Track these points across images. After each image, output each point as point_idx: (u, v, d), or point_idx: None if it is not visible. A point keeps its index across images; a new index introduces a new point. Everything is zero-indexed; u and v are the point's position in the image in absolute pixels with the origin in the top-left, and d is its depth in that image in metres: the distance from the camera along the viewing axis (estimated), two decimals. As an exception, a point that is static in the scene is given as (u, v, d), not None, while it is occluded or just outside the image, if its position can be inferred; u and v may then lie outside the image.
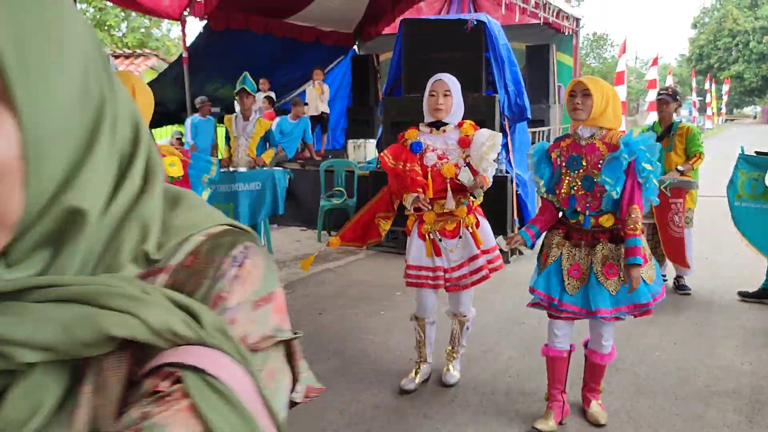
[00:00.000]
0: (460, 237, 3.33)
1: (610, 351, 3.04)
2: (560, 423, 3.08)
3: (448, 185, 3.22)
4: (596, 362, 3.06)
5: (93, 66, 0.55)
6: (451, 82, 3.25)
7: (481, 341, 4.15)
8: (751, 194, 4.77)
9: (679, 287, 5.23)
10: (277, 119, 8.86)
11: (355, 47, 12.23)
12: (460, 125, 3.31)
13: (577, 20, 10.63)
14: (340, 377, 3.69)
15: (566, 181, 2.87)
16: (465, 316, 3.55)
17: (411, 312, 4.75)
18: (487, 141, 3.21)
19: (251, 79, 6.45)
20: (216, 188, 6.01)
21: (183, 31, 9.47)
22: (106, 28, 19.01)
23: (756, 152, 4.87)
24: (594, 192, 2.80)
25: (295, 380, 0.65)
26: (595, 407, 3.13)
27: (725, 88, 38.57)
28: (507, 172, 6.20)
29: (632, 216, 2.73)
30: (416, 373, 3.54)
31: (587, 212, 2.82)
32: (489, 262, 3.38)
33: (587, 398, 3.15)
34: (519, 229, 6.41)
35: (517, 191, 6.36)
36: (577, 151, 2.85)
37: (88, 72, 0.54)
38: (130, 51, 15.29)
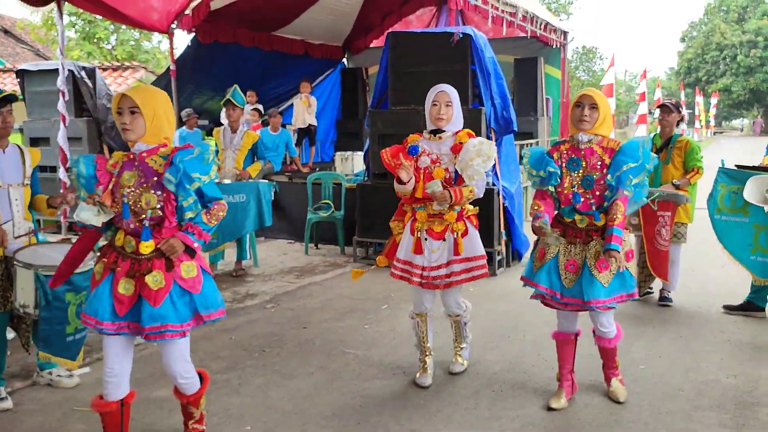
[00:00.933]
0: (444, 240, 3.53)
1: (616, 333, 3.37)
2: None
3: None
4: (605, 346, 3.40)
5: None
6: (452, 93, 3.54)
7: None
8: (731, 208, 4.79)
9: (661, 299, 5.22)
10: (257, 132, 8.84)
11: (344, 60, 12.27)
12: (456, 133, 3.54)
13: (565, 33, 10.70)
14: (322, 392, 3.64)
15: (567, 180, 3.23)
16: (457, 316, 3.77)
17: (396, 326, 4.76)
18: (475, 147, 3.39)
19: (240, 92, 6.44)
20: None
21: (171, 44, 9.47)
22: (95, 41, 18.97)
23: (736, 166, 4.88)
24: (593, 190, 3.17)
25: None
26: (615, 384, 3.46)
27: (713, 101, 38.91)
28: (494, 184, 6.19)
29: (614, 209, 3.11)
30: (425, 368, 3.72)
31: (593, 208, 3.17)
32: (467, 270, 3.55)
33: (608, 376, 3.49)
34: (506, 241, 6.45)
35: (503, 204, 6.35)
36: (577, 153, 3.22)
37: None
38: (118, 63, 15.25)
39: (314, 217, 7.37)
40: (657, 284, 5.31)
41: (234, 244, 6.33)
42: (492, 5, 7.79)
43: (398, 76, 6.50)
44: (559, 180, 3.24)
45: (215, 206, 2.72)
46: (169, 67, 9.44)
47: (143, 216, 2.64)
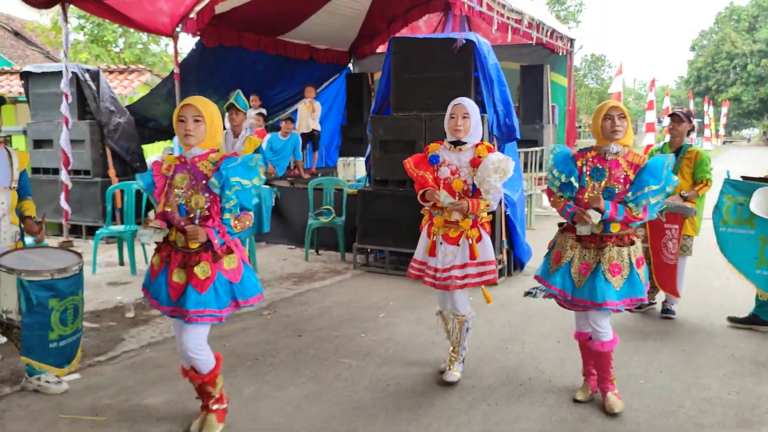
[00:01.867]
0: (459, 245, 3.69)
1: (611, 339, 3.40)
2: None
3: (456, 198, 3.63)
4: (599, 350, 3.40)
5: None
6: (470, 106, 3.66)
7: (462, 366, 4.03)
8: (737, 220, 4.68)
9: (663, 311, 5.12)
10: (268, 136, 8.80)
11: (350, 65, 12.23)
12: (477, 146, 3.67)
13: (572, 41, 10.62)
14: (312, 403, 3.57)
15: (589, 188, 3.29)
16: (462, 316, 3.85)
17: (392, 335, 4.70)
18: (493, 165, 3.52)
19: (243, 97, 6.39)
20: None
21: (175, 47, 9.47)
22: (103, 43, 19.05)
23: (742, 177, 4.78)
24: (613, 202, 3.22)
25: None
26: (611, 398, 3.43)
27: (723, 110, 38.66)
28: (495, 192, 6.11)
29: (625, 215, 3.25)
30: (453, 367, 3.87)
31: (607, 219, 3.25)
32: (480, 274, 3.72)
33: (604, 391, 3.49)
34: (507, 250, 6.36)
35: (506, 212, 6.27)
36: (602, 163, 3.29)
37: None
38: (124, 66, 15.28)
39: (315, 222, 7.31)
40: (660, 296, 5.22)
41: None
42: (497, 12, 7.72)
43: (400, 82, 6.45)
44: (573, 193, 3.33)
45: (243, 215, 2.99)
46: (173, 71, 9.42)
47: (192, 215, 2.96)
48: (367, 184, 7.05)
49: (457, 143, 3.68)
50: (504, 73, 6.56)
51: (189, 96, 9.28)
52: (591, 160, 3.33)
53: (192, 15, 8.87)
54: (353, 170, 8.15)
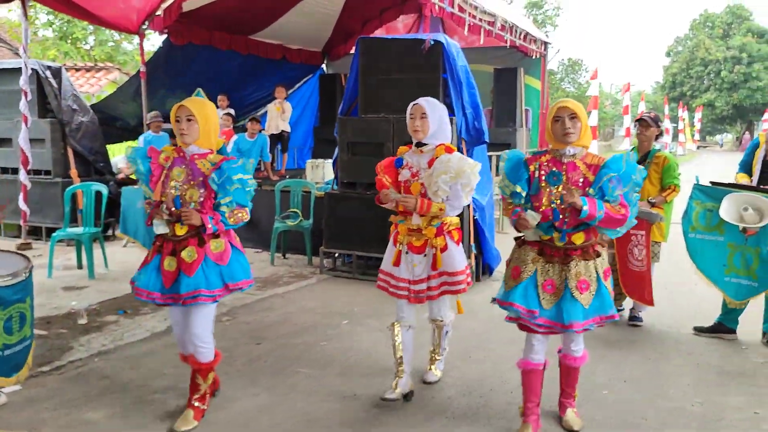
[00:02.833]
0: (425, 255, 3.49)
1: (583, 354, 3.25)
2: None
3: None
4: (570, 365, 3.25)
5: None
6: (429, 105, 3.44)
7: (422, 377, 3.90)
8: (706, 226, 4.62)
9: (631, 318, 5.05)
10: (235, 137, 8.61)
11: (324, 66, 12.08)
12: (437, 147, 3.46)
13: (546, 44, 10.59)
14: (263, 416, 3.42)
15: (546, 195, 3.00)
16: (441, 321, 3.73)
17: (354, 344, 4.56)
18: (443, 165, 3.33)
19: (203, 96, 6.22)
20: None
21: (141, 45, 9.25)
22: (72, 40, 18.64)
23: (711, 183, 4.73)
24: (572, 208, 2.91)
25: None
26: (570, 414, 3.29)
27: (697, 115, 39.18)
28: (463, 196, 6.00)
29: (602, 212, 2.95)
30: (395, 385, 3.55)
31: (564, 228, 2.96)
32: (447, 284, 3.53)
33: (563, 405, 3.33)
34: (476, 255, 6.26)
35: (474, 216, 6.17)
36: (558, 167, 3.01)
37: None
38: (92, 64, 14.94)
39: (281, 226, 7.15)
40: (627, 303, 5.15)
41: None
42: (469, 13, 7.64)
43: (368, 83, 6.32)
44: (520, 200, 3.07)
45: (238, 209, 3.20)
46: (139, 69, 9.19)
47: (187, 206, 3.16)
48: (335, 187, 6.91)
49: (420, 144, 3.49)
50: (478, 75, 6.47)
51: (157, 94, 9.11)
52: (545, 164, 3.05)
53: (159, 12, 8.67)
54: (322, 172, 8.00)
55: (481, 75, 9.35)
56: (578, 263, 2.99)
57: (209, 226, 3.10)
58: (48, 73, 8.38)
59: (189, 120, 3.14)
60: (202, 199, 3.16)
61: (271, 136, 9.13)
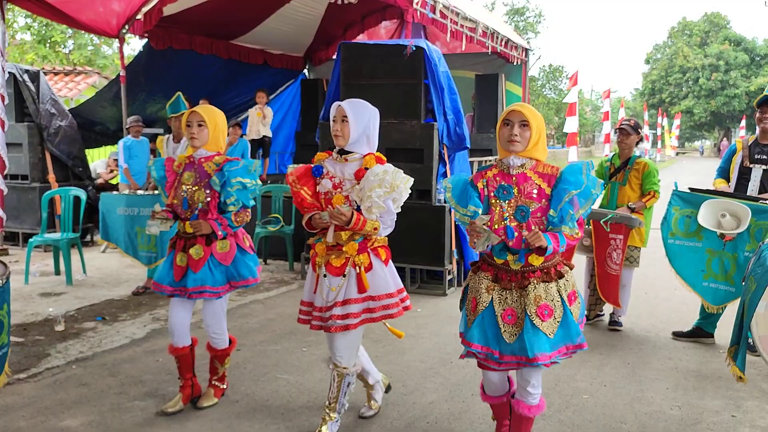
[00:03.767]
0: (345, 276, 3.01)
1: (539, 402, 2.78)
2: None
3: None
4: (523, 414, 2.77)
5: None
6: (351, 108, 3.02)
7: (403, 382, 3.90)
8: (684, 232, 4.67)
9: (611, 323, 5.10)
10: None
11: (305, 71, 12.06)
12: (365, 157, 3.06)
13: (526, 50, 10.67)
14: (244, 422, 3.38)
15: (497, 212, 2.65)
16: (343, 368, 3.12)
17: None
18: (377, 177, 2.91)
19: (184, 101, 6.17)
20: (138, 212, 5.70)
21: (121, 49, 9.17)
22: (51, 44, 18.43)
23: (689, 189, 4.79)
24: (528, 224, 2.60)
25: None
26: None
27: (676, 122, 39.74)
28: (445, 202, 6.02)
29: (561, 244, 2.64)
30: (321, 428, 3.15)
31: (522, 247, 2.60)
32: (370, 310, 3.03)
33: None
34: (457, 260, 6.28)
35: (455, 222, 6.18)
36: (507, 180, 2.67)
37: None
38: (70, 68, 14.79)
39: (263, 231, 7.11)
40: (608, 307, 5.19)
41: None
42: (451, 20, 7.66)
43: (349, 88, 6.31)
44: (479, 214, 2.69)
45: (242, 211, 3.38)
46: (119, 73, 9.11)
47: (194, 207, 3.37)
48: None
49: (344, 152, 3.07)
50: (459, 81, 6.50)
51: (136, 99, 9.02)
52: (493, 178, 2.70)
53: (139, 16, 8.60)
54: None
55: (463, 81, 9.40)
56: (537, 286, 2.63)
57: (219, 233, 3.34)
58: (26, 76, 8.28)
59: (200, 125, 3.35)
60: (208, 199, 3.34)
61: (252, 141, 9.09)
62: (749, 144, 4.71)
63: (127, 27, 8.70)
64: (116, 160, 9.42)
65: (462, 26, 7.99)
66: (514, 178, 2.66)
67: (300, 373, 4.08)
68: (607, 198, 5.14)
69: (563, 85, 32.23)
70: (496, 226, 2.62)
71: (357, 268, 3.01)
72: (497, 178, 2.70)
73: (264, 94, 9.56)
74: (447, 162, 6.13)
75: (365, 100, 6.14)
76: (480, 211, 2.64)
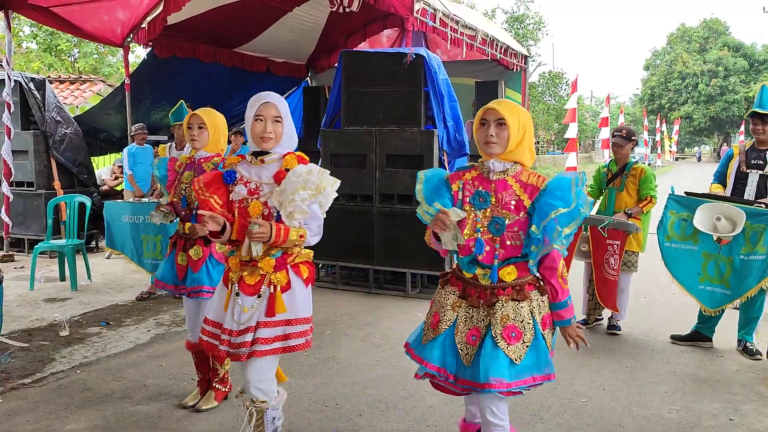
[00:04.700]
0: (260, 296, 2.62)
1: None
2: None
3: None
4: None
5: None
6: (281, 105, 2.67)
7: (403, 386, 3.95)
8: (681, 235, 4.72)
9: (609, 326, 5.14)
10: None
11: (308, 79, 12.15)
12: (284, 157, 2.68)
13: (526, 57, 10.74)
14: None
15: (470, 221, 2.35)
16: (261, 402, 2.70)
17: (336, 353, 4.58)
18: (299, 177, 2.54)
19: (187, 108, 6.24)
20: (143, 219, 5.77)
21: (125, 57, 9.27)
22: (56, 52, 18.56)
23: (686, 193, 4.84)
24: (503, 238, 2.31)
25: None
26: None
27: (675, 127, 39.84)
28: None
29: (565, 272, 2.37)
30: None
31: (495, 262, 2.33)
32: (282, 337, 2.63)
33: None
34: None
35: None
36: (486, 186, 2.36)
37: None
38: (76, 76, 14.91)
39: (265, 237, 7.16)
40: (606, 312, 5.24)
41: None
42: (451, 27, 7.74)
43: (351, 96, 6.39)
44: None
45: None
46: (124, 81, 9.20)
47: (192, 206, 3.45)
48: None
49: (260, 153, 2.68)
50: (460, 88, 6.57)
51: (141, 106, 9.14)
52: (471, 182, 2.40)
53: (143, 25, 8.70)
54: (306, 184, 8.03)
55: (464, 88, 9.47)
56: (505, 304, 2.33)
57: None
58: (31, 85, 8.38)
59: (200, 128, 3.50)
60: None
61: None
62: (746, 149, 4.77)
63: (131, 36, 8.81)
64: (121, 167, 9.50)
65: (462, 34, 8.07)
66: (493, 185, 2.36)
67: (301, 377, 4.13)
68: (604, 204, 5.20)
69: (563, 92, 32.31)
70: (467, 237, 2.34)
71: (272, 287, 2.62)
72: (475, 182, 2.40)
73: (266, 101, 9.62)
74: (447, 168, 6.19)
75: (366, 107, 6.33)
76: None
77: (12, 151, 7.92)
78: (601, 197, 5.26)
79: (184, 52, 9.58)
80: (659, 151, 36.25)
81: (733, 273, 4.48)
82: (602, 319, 5.28)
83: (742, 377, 4.21)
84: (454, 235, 2.28)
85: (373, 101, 6.28)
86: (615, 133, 5.16)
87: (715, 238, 4.54)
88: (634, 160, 5.18)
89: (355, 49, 9.85)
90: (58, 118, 8.62)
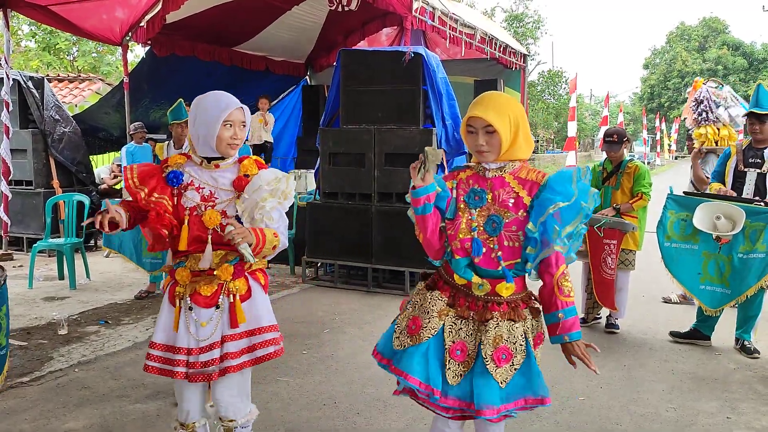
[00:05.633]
0: (218, 307, 2.43)
1: None
2: None
3: (210, 237, 2.40)
4: None
5: None
6: (246, 111, 2.50)
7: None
8: (680, 235, 4.72)
9: (608, 325, 5.15)
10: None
11: (307, 77, 12.15)
12: (241, 161, 2.51)
13: (524, 56, 10.74)
14: (245, 425, 3.43)
15: (465, 220, 2.18)
16: (230, 420, 2.54)
17: (335, 351, 4.59)
18: (268, 185, 2.39)
19: (185, 107, 6.24)
20: (142, 218, 5.75)
21: (124, 56, 9.27)
22: (55, 51, 18.56)
23: (684, 192, 4.84)
24: (500, 238, 2.15)
25: None
26: None
27: (675, 126, 39.84)
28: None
29: (566, 279, 2.15)
30: None
31: (499, 266, 2.15)
32: (250, 349, 2.46)
33: None
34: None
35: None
36: (482, 184, 2.22)
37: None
38: (75, 75, 14.91)
39: (264, 236, 7.16)
40: (604, 310, 5.24)
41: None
42: (450, 26, 7.74)
43: (349, 95, 6.40)
44: (445, 222, 2.22)
45: None
46: (122, 80, 9.20)
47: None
48: (317, 197, 6.96)
49: (212, 158, 2.48)
50: (459, 87, 6.57)
51: (140, 105, 9.13)
52: (465, 180, 2.26)
53: (142, 24, 8.70)
54: (304, 182, 8.05)
55: (463, 86, 9.47)
56: (500, 324, 2.16)
57: None
58: (30, 83, 8.37)
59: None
60: None
61: (255, 146, 9.16)
62: (743, 148, 4.77)
63: (130, 34, 8.81)
64: (120, 165, 9.50)
65: (461, 32, 8.07)
66: (489, 182, 2.22)
67: (300, 376, 4.13)
68: (600, 202, 5.19)
69: (562, 90, 32.33)
70: (462, 236, 2.18)
71: (231, 297, 2.44)
72: (470, 181, 2.25)
73: (266, 100, 9.66)
74: (446, 167, 6.19)
75: (364, 105, 6.33)
76: (440, 190, 2.21)
77: (11, 149, 7.92)
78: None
79: (183, 50, 9.58)
80: (659, 149, 36.24)
81: (732, 272, 4.48)
82: (600, 317, 5.29)
83: (739, 376, 4.22)
84: (423, 162, 2.10)
85: (372, 100, 6.29)
86: (606, 139, 5.16)
87: (714, 237, 4.54)
88: (629, 158, 5.19)
89: (354, 47, 9.85)
90: (57, 117, 8.61)
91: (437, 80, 6.05)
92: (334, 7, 8.38)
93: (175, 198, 2.45)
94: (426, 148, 2.12)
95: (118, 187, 9.59)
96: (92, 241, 8.70)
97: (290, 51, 11.27)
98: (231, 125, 2.41)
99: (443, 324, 2.21)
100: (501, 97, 2.20)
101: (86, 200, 6.83)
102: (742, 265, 4.43)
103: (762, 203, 4.46)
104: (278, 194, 2.41)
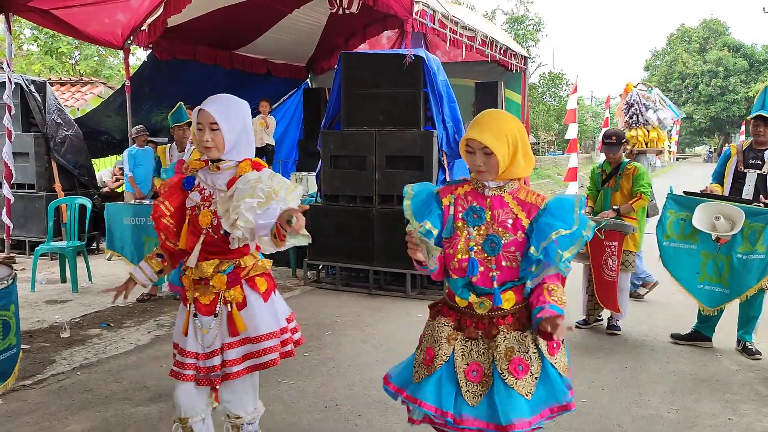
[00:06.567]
0: (216, 315, 2.49)
1: None
2: None
3: (201, 239, 2.45)
4: None
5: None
6: (220, 113, 2.45)
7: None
8: (680, 235, 4.73)
9: (609, 326, 5.15)
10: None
11: (308, 80, 12.17)
12: (239, 164, 2.54)
13: (525, 58, 10.76)
14: (247, 427, 3.44)
15: (463, 239, 2.16)
16: (236, 417, 2.67)
17: (337, 354, 4.60)
18: (248, 183, 2.37)
19: (184, 110, 6.26)
20: (144, 221, 5.79)
21: (126, 59, 9.30)
22: (57, 55, 18.61)
23: (684, 192, 4.85)
24: (498, 258, 2.14)
25: None
26: None
27: (676, 128, 39.84)
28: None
29: (557, 287, 2.14)
30: None
31: (495, 285, 2.14)
32: (251, 355, 2.52)
33: None
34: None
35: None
36: (480, 202, 2.20)
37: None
38: (77, 78, 14.95)
39: (265, 238, 7.17)
40: (606, 312, 5.24)
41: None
42: (450, 29, 7.76)
43: (350, 97, 6.41)
44: (434, 237, 2.12)
45: None
46: (124, 83, 9.23)
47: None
48: (318, 200, 6.97)
49: (217, 159, 2.54)
50: (459, 89, 6.59)
51: (141, 109, 9.17)
52: (464, 197, 2.23)
53: (144, 27, 8.73)
54: (306, 185, 8.05)
55: (463, 89, 9.49)
56: (507, 335, 2.16)
57: None
58: (32, 87, 8.41)
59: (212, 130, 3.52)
60: None
61: (256, 149, 9.16)
62: (744, 149, 4.78)
63: (132, 38, 8.85)
64: (122, 169, 9.53)
65: (461, 35, 8.09)
66: (488, 201, 2.20)
67: (302, 378, 4.14)
68: (600, 204, 5.21)
69: (563, 92, 32.33)
70: (460, 256, 2.17)
71: (228, 305, 2.50)
72: (468, 197, 2.23)
73: (267, 103, 9.68)
74: (447, 169, 6.20)
75: (365, 108, 6.34)
76: (435, 232, 2.12)
77: (13, 153, 7.93)
78: (597, 197, 5.28)
79: (184, 54, 9.62)
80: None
81: (731, 272, 4.49)
82: (602, 319, 5.29)
83: (741, 377, 4.22)
84: (426, 250, 2.09)
85: (373, 102, 6.30)
86: (605, 141, 5.18)
87: (713, 237, 4.55)
88: (626, 160, 5.20)
89: (354, 50, 9.87)
90: (59, 121, 8.64)
91: (438, 83, 6.06)
92: (334, 9, 8.41)
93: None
94: (421, 239, 2.07)
95: (119, 190, 9.61)
96: (94, 244, 8.71)
97: (291, 54, 11.29)
98: (202, 128, 2.47)
99: (453, 347, 2.21)
100: (499, 117, 2.18)
101: (88, 203, 6.85)
102: (742, 266, 4.44)
103: (761, 204, 4.47)
104: (258, 193, 2.34)
